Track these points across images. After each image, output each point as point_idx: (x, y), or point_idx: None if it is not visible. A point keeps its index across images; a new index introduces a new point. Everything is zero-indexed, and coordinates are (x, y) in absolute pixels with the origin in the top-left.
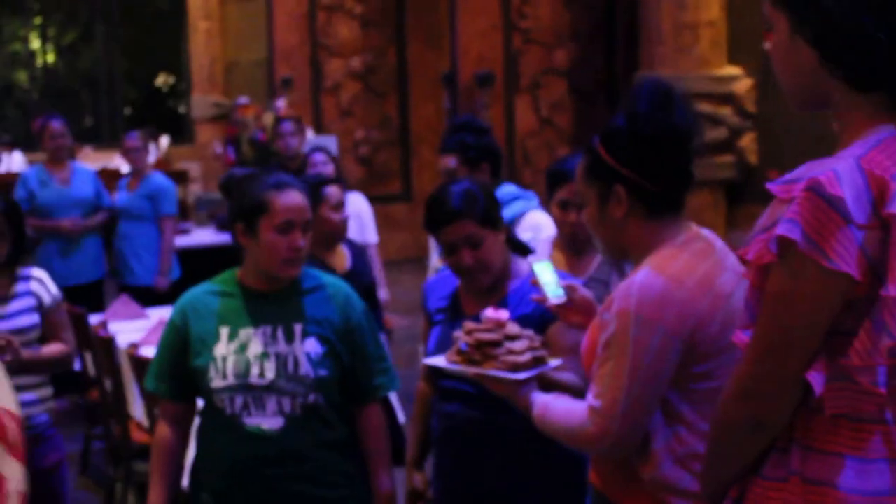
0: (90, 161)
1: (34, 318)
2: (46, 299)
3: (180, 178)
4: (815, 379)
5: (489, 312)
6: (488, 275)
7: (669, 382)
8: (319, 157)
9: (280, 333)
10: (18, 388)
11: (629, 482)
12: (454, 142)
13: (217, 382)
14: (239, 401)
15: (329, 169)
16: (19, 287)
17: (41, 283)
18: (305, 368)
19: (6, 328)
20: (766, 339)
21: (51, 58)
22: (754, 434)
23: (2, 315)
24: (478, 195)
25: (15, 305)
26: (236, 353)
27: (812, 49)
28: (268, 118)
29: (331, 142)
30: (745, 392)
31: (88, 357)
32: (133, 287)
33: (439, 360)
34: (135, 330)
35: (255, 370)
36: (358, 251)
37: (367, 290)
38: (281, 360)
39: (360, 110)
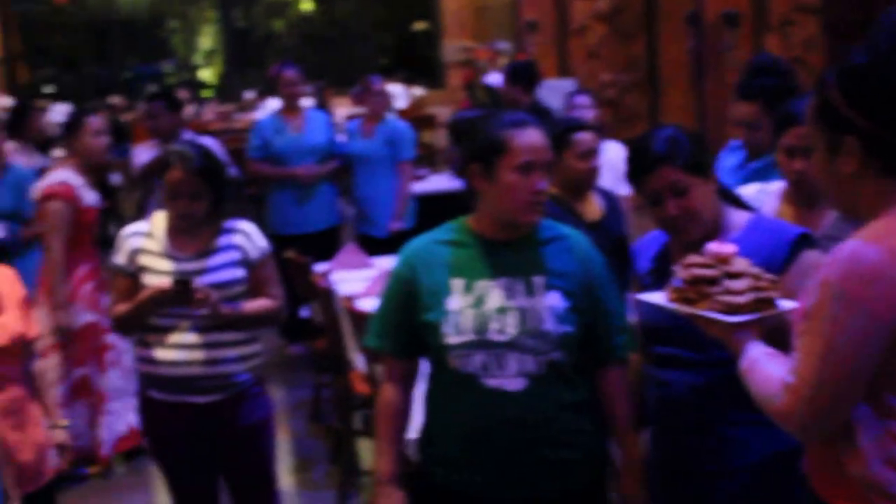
0: (343, 108)
1: (237, 273)
2: (252, 253)
3: (426, 122)
4: None
5: (712, 246)
6: (697, 225)
7: (877, 372)
8: (583, 99)
9: (520, 286)
10: (219, 345)
11: (838, 478)
12: (756, 86)
13: (452, 339)
14: (477, 359)
15: (590, 114)
16: (222, 240)
17: (247, 237)
18: (549, 324)
19: (207, 282)
20: None
21: (307, 6)
22: None
23: (203, 268)
24: (682, 140)
25: (217, 259)
26: (473, 306)
27: None
28: (502, 61)
29: (569, 85)
30: None
31: (316, 306)
32: (372, 237)
33: (658, 298)
34: (358, 279)
35: (494, 325)
36: (611, 202)
37: (617, 242)
38: (523, 315)
39: (607, 52)
